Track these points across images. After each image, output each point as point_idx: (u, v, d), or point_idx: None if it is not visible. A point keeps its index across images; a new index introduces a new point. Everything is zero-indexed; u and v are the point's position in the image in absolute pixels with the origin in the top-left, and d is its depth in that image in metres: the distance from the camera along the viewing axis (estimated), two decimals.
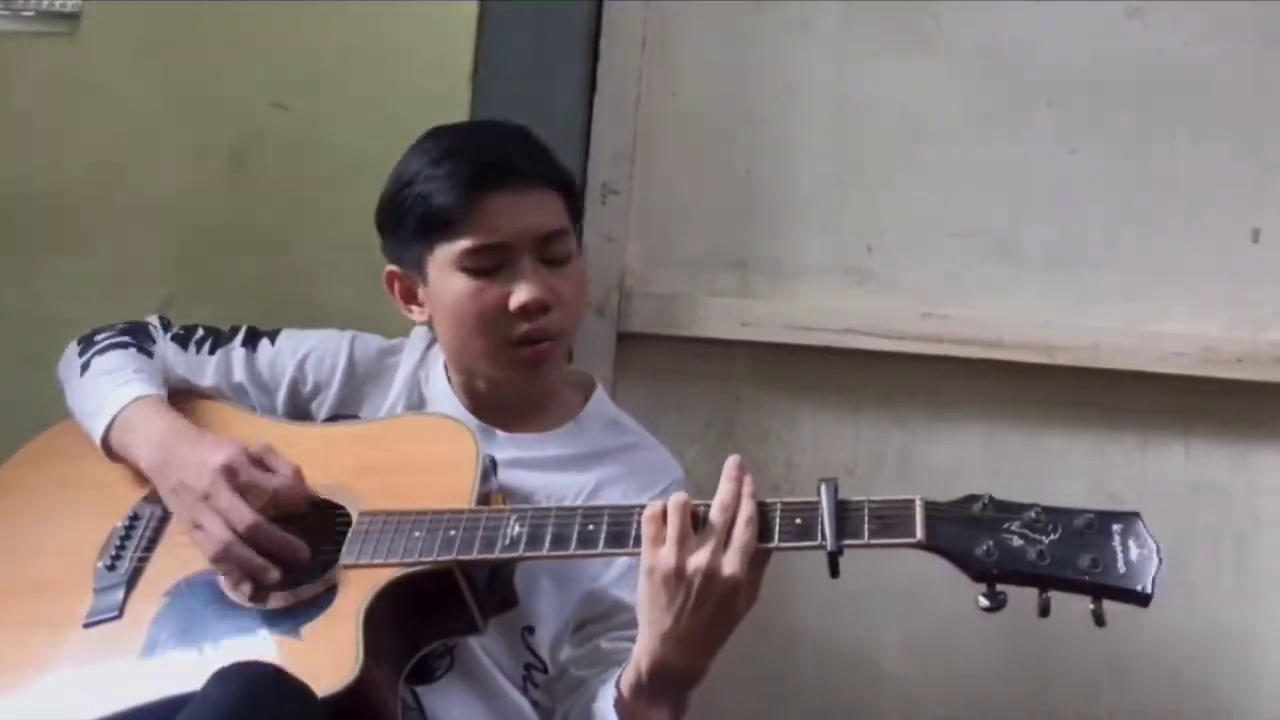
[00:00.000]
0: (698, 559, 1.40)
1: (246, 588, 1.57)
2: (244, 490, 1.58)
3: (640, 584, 1.44)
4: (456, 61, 2.15)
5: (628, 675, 1.49)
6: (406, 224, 1.69)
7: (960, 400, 2.17)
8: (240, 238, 2.17)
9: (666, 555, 1.41)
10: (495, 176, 1.65)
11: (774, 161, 2.22)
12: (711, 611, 1.41)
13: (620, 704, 1.50)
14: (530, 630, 1.67)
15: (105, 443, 1.70)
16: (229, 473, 1.58)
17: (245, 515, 1.56)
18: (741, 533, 1.41)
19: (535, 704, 1.69)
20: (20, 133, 2.19)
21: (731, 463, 1.46)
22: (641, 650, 1.46)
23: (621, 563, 1.65)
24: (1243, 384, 2.13)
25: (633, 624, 1.51)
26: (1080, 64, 2.18)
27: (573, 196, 1.74)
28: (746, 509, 1.42)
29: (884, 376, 2.18)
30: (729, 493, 1.44)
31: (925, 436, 2.19)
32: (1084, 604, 2.11)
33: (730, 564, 1.40)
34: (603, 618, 1.66)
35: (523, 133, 1.74)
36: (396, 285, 1.75)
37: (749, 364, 2.20)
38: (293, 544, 1.57)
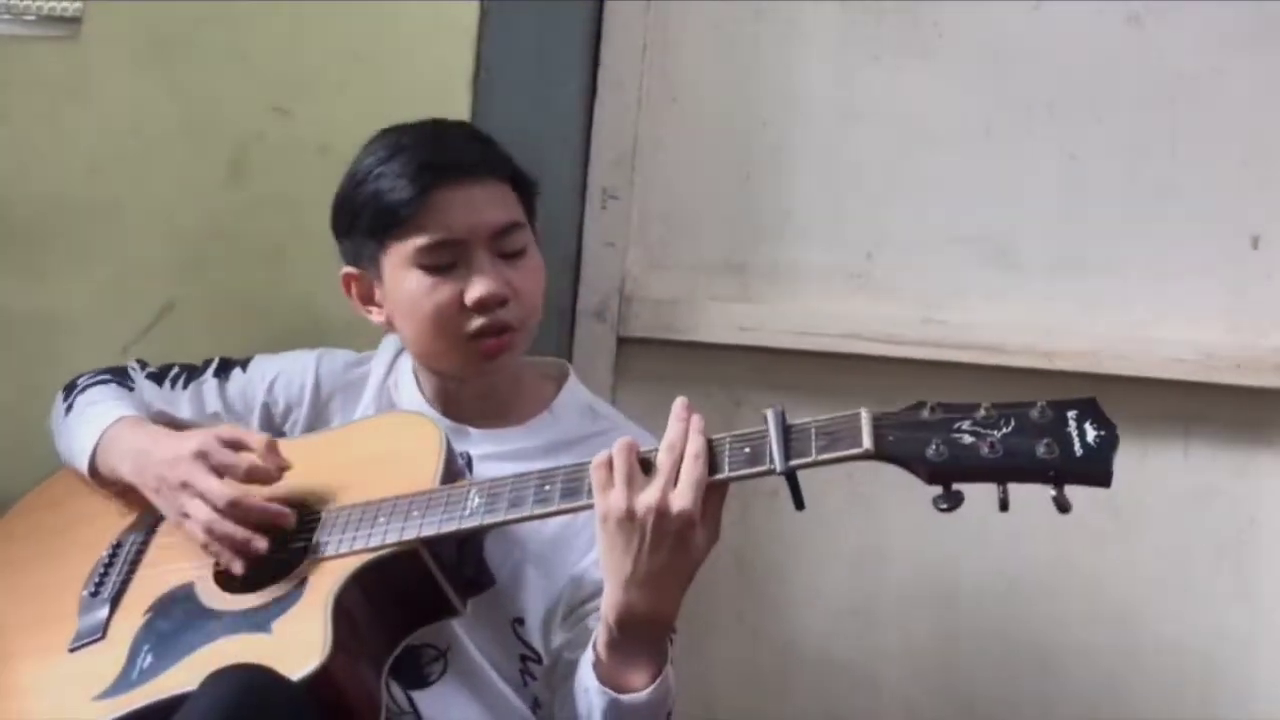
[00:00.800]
0: (646, 498, 1.40)
1: (238, 565, 1.58)
2: (219, 471, 1.61)
3: (596, 534, 1.45)
4: (457, 66, 2.15)
5: (600, 634, 1.49)
6: (360, 223, 1.70)
7: None
8: (241, 243, 2.17)
9: (616, 498, 1.41)
10: (445, 171, 1.66)
11: (774, 166, 2.22)
12: (669, 550, 1.41)
13: (599, 665, 1.49)
14: (520, 622, 1.67)
15: (93, 467, 1.73)
16: (202, 456, 1.62)
17: (223, 491, 1.59)
18: (690, 468, 1.41)
19: (536, 699, 1.69)
20: (20, 137, 2.18)
21: (679, 403, 1.46)
22: (608, 604, 1.46)
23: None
24: (1242, 390, 2.13)
25: None
26: (1080, 70, 2.18)
27: (525, 189, 1.75)
28: (694, 444, 1.42)
29: (884, 381, 2.17)
30: (676, 431, 1.44)
31: None
32: (1082, 608, 2.15)
33: (680, 499, 1.40)
34: (588, 600, 1.65)
35: (470, 129, 1.78)
36: (354, 287, 1.76)
37: (749, 369, 2.20)
38: (277, 511, 1.60)
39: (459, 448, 1.66)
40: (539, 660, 1.68)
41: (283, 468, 1.64)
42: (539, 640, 1.68)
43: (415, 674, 1.63)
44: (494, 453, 1.72)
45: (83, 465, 1.75)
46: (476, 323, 1.66)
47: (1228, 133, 2.17)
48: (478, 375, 1.72)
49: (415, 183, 1.65)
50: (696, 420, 1.45)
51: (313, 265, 2.14)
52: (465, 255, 1.66)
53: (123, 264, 2.17)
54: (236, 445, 1.64)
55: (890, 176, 2.21)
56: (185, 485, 1.62)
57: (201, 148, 2.17)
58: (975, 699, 2.17)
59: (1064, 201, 2.19)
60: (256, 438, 1.66)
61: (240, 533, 1.58)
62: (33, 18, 2.26)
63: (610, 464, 1.43)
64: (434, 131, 1.75)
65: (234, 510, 1.59)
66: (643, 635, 1.46)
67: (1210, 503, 2.16)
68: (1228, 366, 2.12)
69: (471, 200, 1.67)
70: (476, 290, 1.65)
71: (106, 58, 2.19)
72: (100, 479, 1.75)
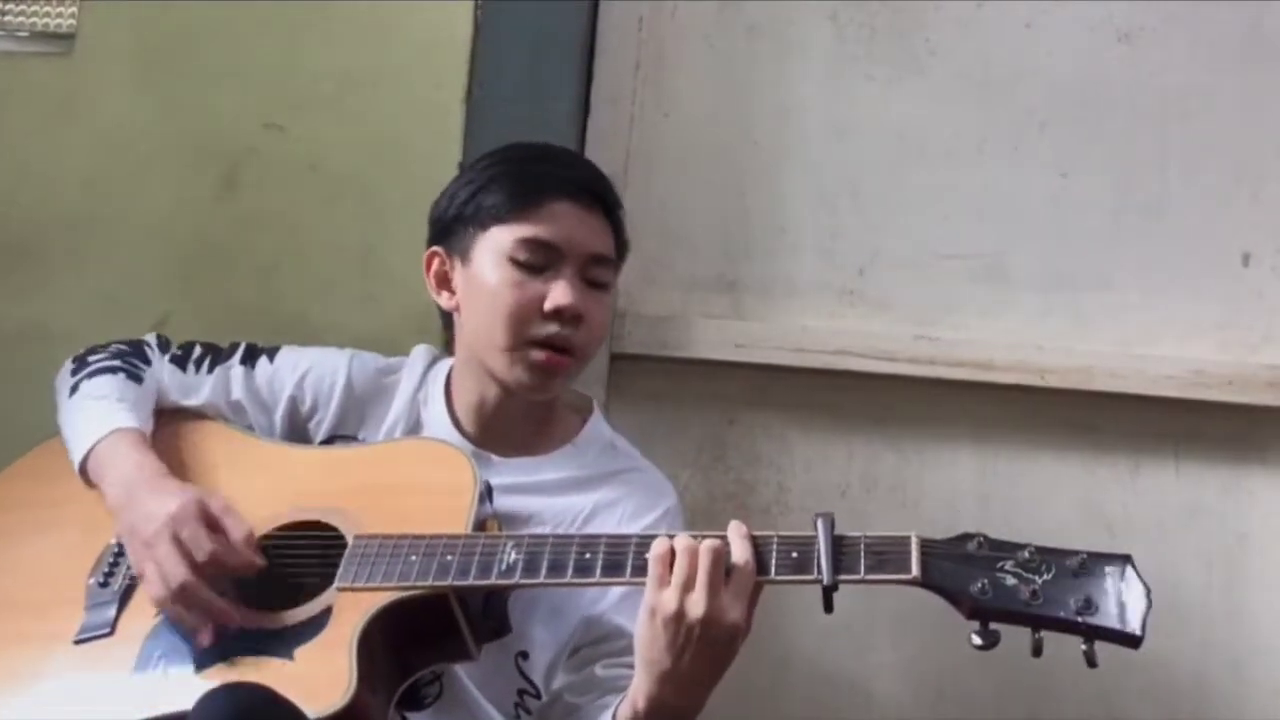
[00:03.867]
0: (697, 605, 1.41)
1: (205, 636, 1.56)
2: (185, 547, 1.57)
3: (640, 622, 1.45)
4: (451, 82, 2.16)
5: (624, 711, 1.50)
6: (473, 202, 1.71)
7: (953, 422, 2.18)
8: (234, 257, 2.17)
9: (669, 599, 1.42)
10: (571, 185, 1.70)
11: (767, 184, 2.22)
12: (710, 656, 1.43)
13: None
14: (524, 655, 1.67)
15: (83, 471, 1.71)
16: (174, 525, 1.58)
17: (178, 573, 1.56)
18: (742, 577, 1.43)
19: None
20: (15, 152, 2.19)
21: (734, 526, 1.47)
22: (639, 690, 1.47)
23: (620, 591, 1.64)
24: (1233, 406, 2.13)
25: (629, 650, 1.52)
26: (1072, 88, 2.19)
27: (620, 240, 1.77)
28: (741, 552, 1.43)
29: (877, 398, 2.18)
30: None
31: (917, 458, 2.19)
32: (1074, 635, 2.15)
33: (733, 610, 1.42)
34: (599, 642, 1.65)
35: (597, 168, 1.80)
36: (434, 265, 1.75)
37: (742, 385, 2.20)
38: (221, 610, 1.56)
39: (481, 474, 1.63)
40: (537, 695, 1.67)
41: (250, 567, 1.59)
42: (541, 677, 1.68)
43: (411, 695, 1.62)
44: (515, 484, 1.70)
45: (74, 463, 1.71)
46: (547, 329, 1.66)
47: (1219, 150, 2.18)
48: (524, 390, 1.70)
49: (543, 185, 1.69)
50: (739, 527, 1.46)
51: (306, 280, 2.15)
52: (558, 264, 1.67)
53: (117, 278, 2.17)
54: (214, 525, 1.59)
55: (883, 194, 2.21)
56: (149, 547, 1.58)
57: (195, 163, 2.18)
58: (967, 714, 2.17)
59: (1056, 219, 2.19)
60: (238, 525, 1.60)
61: (188, 618, 1.56)
62: (27, 34, 2.27)
63: (670, 560, 1.44)
64: (569, 154, 1.84)
65: (181, 596, 1.55)
66: None
67: (1201, 519, 2.17)
68: (1219, 383, 2.13)
69: (583, 218, 1.70)
70: (558, 298, 1.65)
71: (100, 74, 2.20)
72: (88, 483, 1.71)
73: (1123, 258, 2.18)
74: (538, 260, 1.67)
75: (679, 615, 1.41)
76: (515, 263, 1.67)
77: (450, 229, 1.73)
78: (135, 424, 1.71)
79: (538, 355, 1.66)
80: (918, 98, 2.21)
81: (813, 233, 2.22)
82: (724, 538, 1.44)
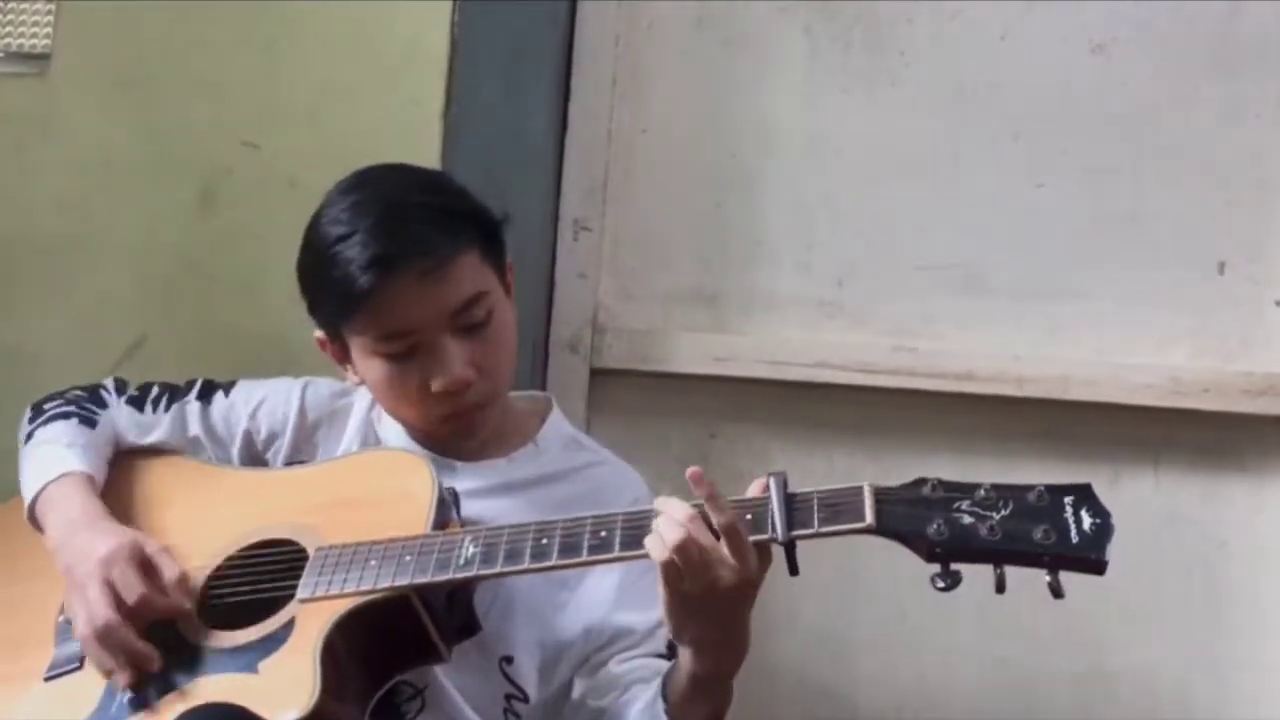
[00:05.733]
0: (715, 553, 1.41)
1: (122, 679, 1.55)
2: (113, 588, 1.56)
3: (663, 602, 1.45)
4: (427, 99, 2.16)
5: (677, 681, 1.51)
6: (320, 303, 1.67)
7: (932, 433, 2.18)
8: (211, 277, 2.16)
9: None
10: (396, 262, 1.57)
11: (745, 197, 2.23)
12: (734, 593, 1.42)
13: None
14: (509, 660, 1.66)
15: (31, 515, 1.70)
16: (105, 566, 1.57)
17: (102, 614, 1.55)
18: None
19: None
20: None
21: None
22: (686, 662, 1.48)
23: (612, 588, 1.65)
24: (1210, 414, 2.14)
25: (640, 642, 1.56)
26: (1046, 99, 2.20)
27: (491, 239, 1.68)
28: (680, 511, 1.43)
29: (856, 410, 2.19)
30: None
31: (898, 469, 2.15)
32: (1054, 634, 2.15)
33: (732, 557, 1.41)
34: (607, 645, 1.65)
35: (434, 196, 1.66)
36: (329, 349, 1.73)
37: (722, 399, 2.20)
38: (142, 654, 1.55)
39: (445, 482, 1.64)
40: (525, 699, 1.67)
41: (179, 611, 1.58)
42: (531, 680, 1.67)
43: (392, 712, 1.61)
44: (480, 488, 1.70)
45: (25, 503, 1.72)
46: (443, 409, 1.65)
47: (1193, 159, 2.19)
48: (455, 440, 1.71)
49: (367, 273, 1.57)
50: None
51: (283, 298, 2.12)
52: (425, 342, 1.62)
53: (93, 298, 2.17)
54: (146, 567, 1.59)
55: (860, 206, 2.22)
56: (80, 588, 1.58)
57: (171, 182, 2.17)
58: None
59: (1031, 229, 2.20)
60: (170, 567, 1.59)
61: (107, 661, 1.55)
62: (1, 55, 2.25)
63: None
64: (391, 209, 1.62)
65: (104, 636, 1.55)
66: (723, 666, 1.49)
67: (1181, 527, 2.18)
68: (1196, 391, 2.14)
69: (425, 288, 1.59)
70: (439, 382, 1.62)
71: (75, 93, 2.19)
72: (36, 525, 1.71)
73: (1099, 267, 2.19)
74: (402, 349, 1.62)
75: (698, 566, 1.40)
76: (384, 356, 1.63)
77: (321, 322, 1.70)
78: (84, 468, 1.71)
79: (449, 424, 1.68)
80: (893, 110, 2.22)
81: (790, 245, 2.23)
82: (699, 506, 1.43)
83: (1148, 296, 2.19)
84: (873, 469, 2.19)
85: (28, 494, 1.71)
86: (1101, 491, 2.14)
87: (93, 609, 1.56)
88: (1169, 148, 2.19)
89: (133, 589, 1.56)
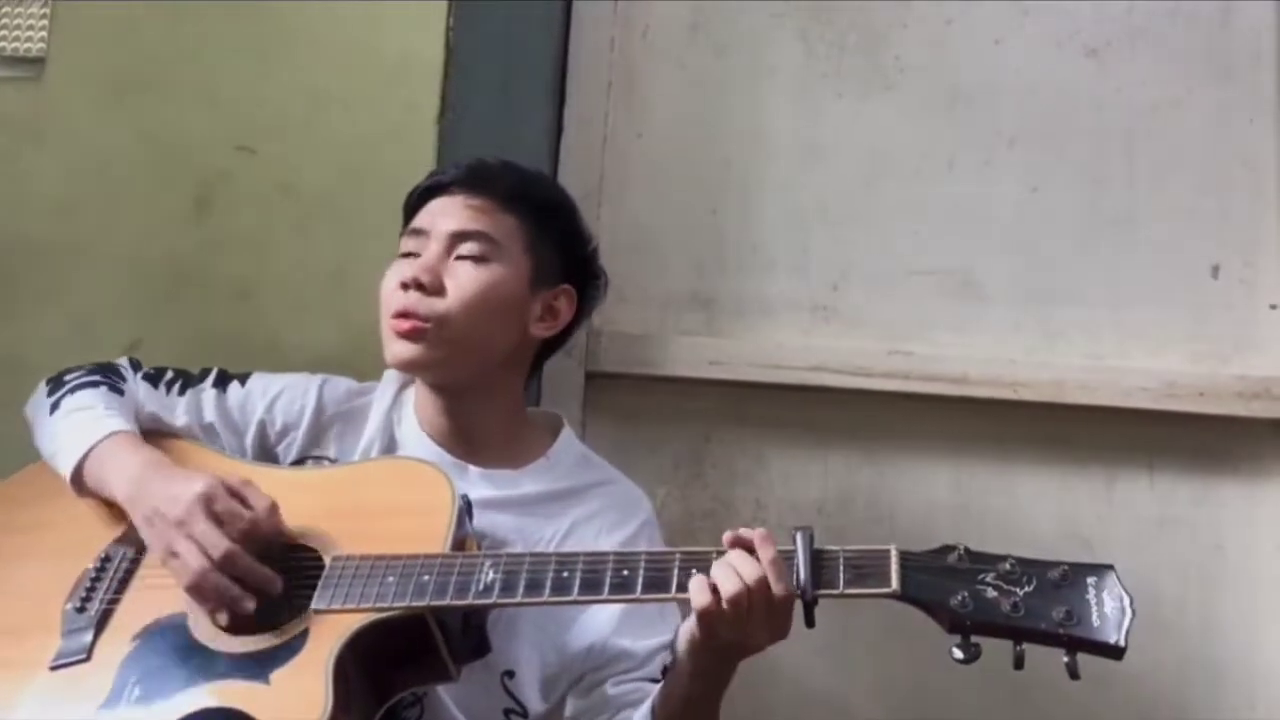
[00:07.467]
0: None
1: (223, 617, 1.56)
2: (220, 519, 1.58)
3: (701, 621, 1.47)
4: (423, 105, 2.16)
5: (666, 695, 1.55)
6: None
7: (928, 437, 2.19)
8: (207, 281, 2.16)
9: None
10: (455, 179, 1.78)
11: (740, 201, 2.23)
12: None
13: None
14: (510, 674, 1.66)
15: (77, 477, 1.69)
16: (206, 500, 1.59)
17: (220, 543, 1.56)
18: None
19: None
20: None
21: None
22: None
23: (615, 612, 1.66)
24: (1205, 418, 2.15)
25: (637, 668, 1.57)
26: (1041, 103, 2.21)
27: (537, 225, 1.78)
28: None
29: (852, 414, 2.19)
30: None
31: (893, 473, 2.19)
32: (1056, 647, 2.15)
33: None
34: (605, 666, 1.66)
35: (510, 166, 1.83)
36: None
37: (717, 403, 2.20)
38: (267, 576, 1.57)
39: (458, 487, 1.63)
40: (524, 714, 1.67)
41: (280, 533, 1.61)
42: (532, 696, 1.67)
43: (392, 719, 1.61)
44: (494, 498, 1.71)
45: (65, 471, 1.70)
46: (398, 301, 1.71)
47: (1186, 164, 2.20)
48: (399, 365, 1.74)
49: (432, 178, 1.81)
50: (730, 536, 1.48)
51: (278, 303, 2.15)
52: (424, 247, 1.73)
53: (88, 303, 2.16)
54: (242, 498, 1.61)
55: (854, 210, 2.22)
56: (182, 525, 1.58)
57: (166, 187, 2.17)
58: None
59: (1026, 233, 2.21)
60: (260, 497, 1.62)
61: (233, 590, 1.55)
62: None
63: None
64: (492, 159, 1.86)
65: (228, 564, 1.56)
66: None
67: (1176, 530, 2.18)
68: (1190, 395, 2.14)
69: (452, 205, 1.75)
70: (404, 270, 1.72)
71: (70, 98, 2.19)
72: (83, 489, 1.70)
73: (1093, 271, 2.20)
74: (410, 247, 1.75)
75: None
76: (401, 257, 1.76)
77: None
78: (129, 427, 1.72)
79: (396, 324, 1.71)
80: (888, 115, 2.23)
81: (786, 250, 2.23)
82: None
83: (1142, 300, 2.19)
84: (868, 472, 2.19)
85: (69, 458, 1.70)
86: (1097, 494, 2.18)
87: (208, 542, 1.56)
88: (1163, 152, 2.20)
89: (241, 516, 1.58)
